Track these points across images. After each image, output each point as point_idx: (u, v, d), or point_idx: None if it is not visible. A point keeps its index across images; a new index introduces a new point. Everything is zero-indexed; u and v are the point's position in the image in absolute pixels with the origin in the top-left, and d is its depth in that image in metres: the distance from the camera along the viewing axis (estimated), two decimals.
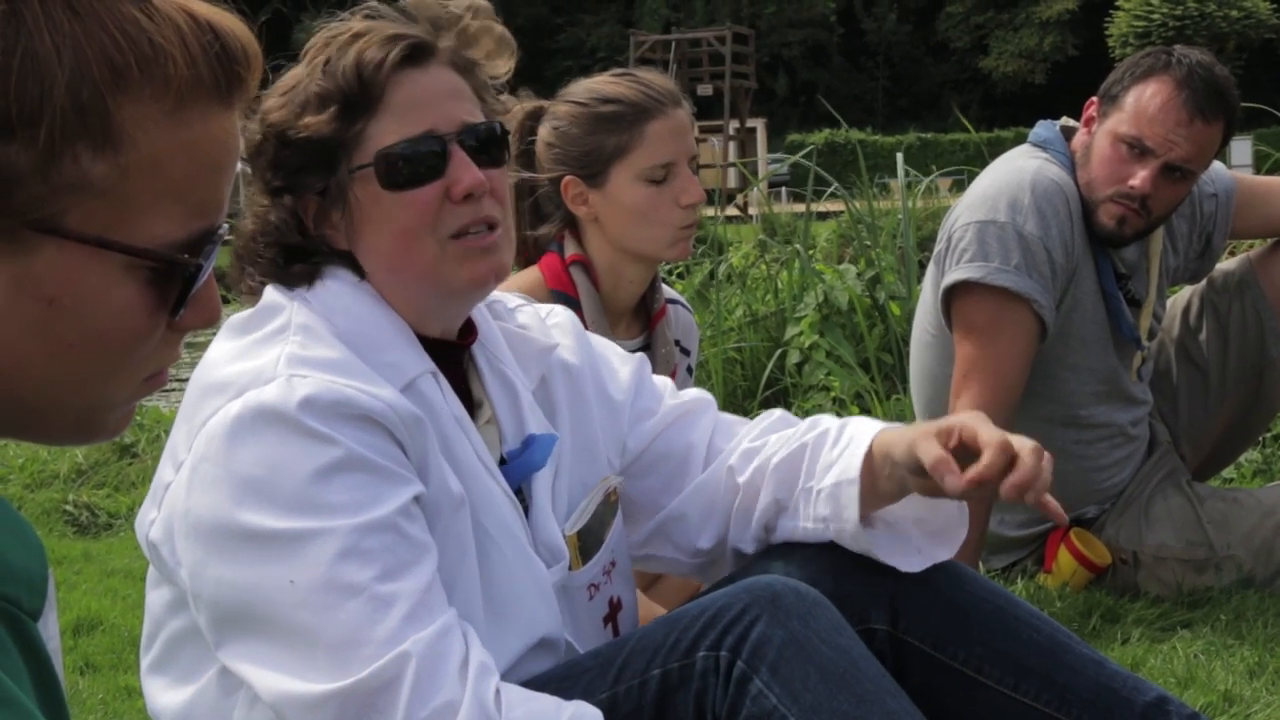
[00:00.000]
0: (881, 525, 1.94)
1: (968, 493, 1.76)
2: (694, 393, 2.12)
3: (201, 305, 1.07)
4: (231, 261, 1.82)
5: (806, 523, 1.94)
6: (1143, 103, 3.28)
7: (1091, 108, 3.42)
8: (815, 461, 1.96)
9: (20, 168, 0.96)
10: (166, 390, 8.79)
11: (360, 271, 1.78)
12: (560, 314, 2.06)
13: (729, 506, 2.02)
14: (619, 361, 2.08)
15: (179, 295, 1.04)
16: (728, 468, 2.03)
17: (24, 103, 0.95)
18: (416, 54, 1.75)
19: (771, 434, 2.04)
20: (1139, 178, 3.28)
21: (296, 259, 1.78)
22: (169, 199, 1.02)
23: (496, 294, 1.96)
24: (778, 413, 2.08)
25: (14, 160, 0.96)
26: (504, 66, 1.87)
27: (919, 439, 1.81)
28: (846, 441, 1.95)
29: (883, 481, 1.90)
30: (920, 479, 1.85)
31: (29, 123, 0.95)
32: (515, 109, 2.64)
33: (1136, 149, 3.28)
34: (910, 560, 1.91)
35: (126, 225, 1.00)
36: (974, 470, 1.75)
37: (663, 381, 2.12)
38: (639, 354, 2.13)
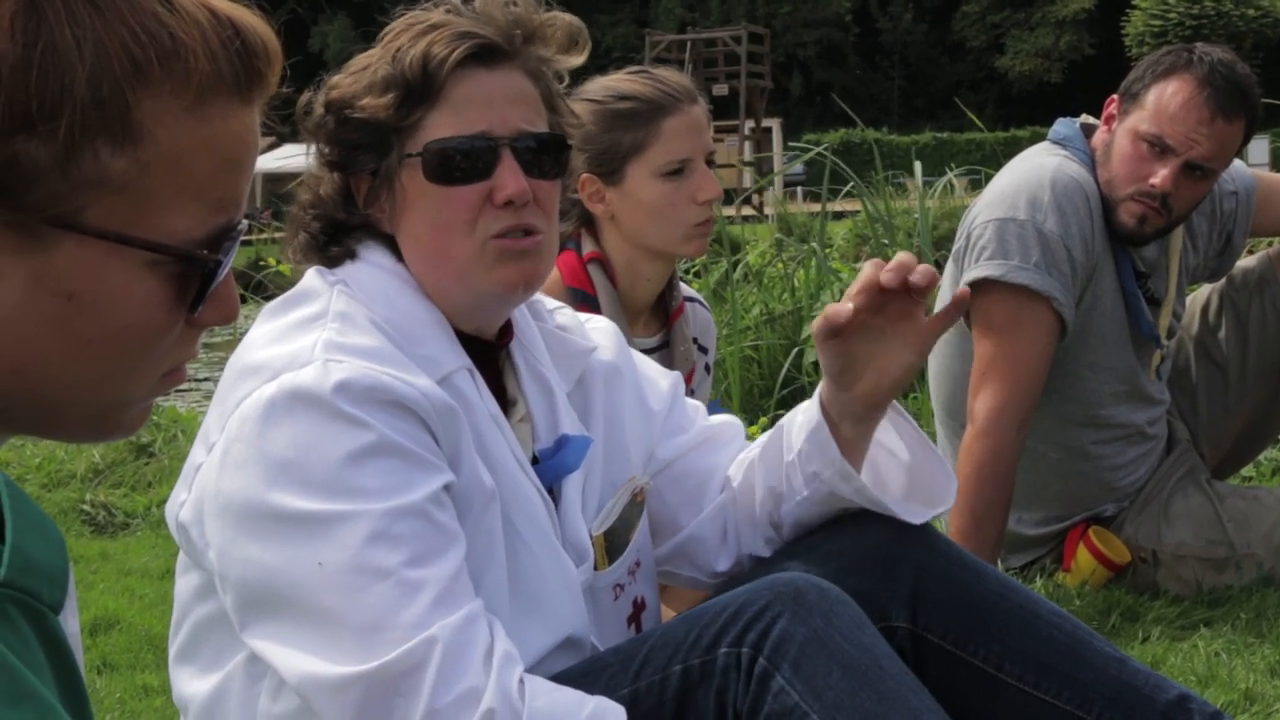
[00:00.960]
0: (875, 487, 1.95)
1: (857, 306, 1.80)
2: (725, 419, 2.13)
3: (220, 302, 1.07)
4: (288, 225, 1.85)
5: (801, 492, 1.95)
6: (1164, 101, 3.27)
7: (1112, 105, 3.40)
8: (790, 435, 1.98)
9: (40, 163, 0.96)
10: (183, 391, 8.82)
11: (398, 255, 1.79)
12: (601, 322, 2.07)
13: (735, 521, 2.04)
14: (658, 375, 2.10)
15: (197, 292, 1.04)
16: (726, 480, 2.05)
17: (44, 97, 0.95)
18: (485, 54, 1.76)
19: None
20: (1160, 176, 3.27)
21: (339, 235, 1.80)
22: (188, 195, 1.02)
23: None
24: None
25: (34, 155, 0.95)
26: (577, 59, 1.87)
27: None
28: (808, 406, 1.98)
29: (841, 423, 1.93)
30: (853, 391, 1.89)
31: (49, 117, 0.95)
32: None
33: (1157, 147, 3.27)
34: (910, 513, 1.92)
35: (146, 221, 1.00)
36: (853, 287, 1.81)
37: (695, 405, 2.13)
38: (675, 373, 2.14)
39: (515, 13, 1.79)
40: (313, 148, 1.82)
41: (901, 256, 1.79)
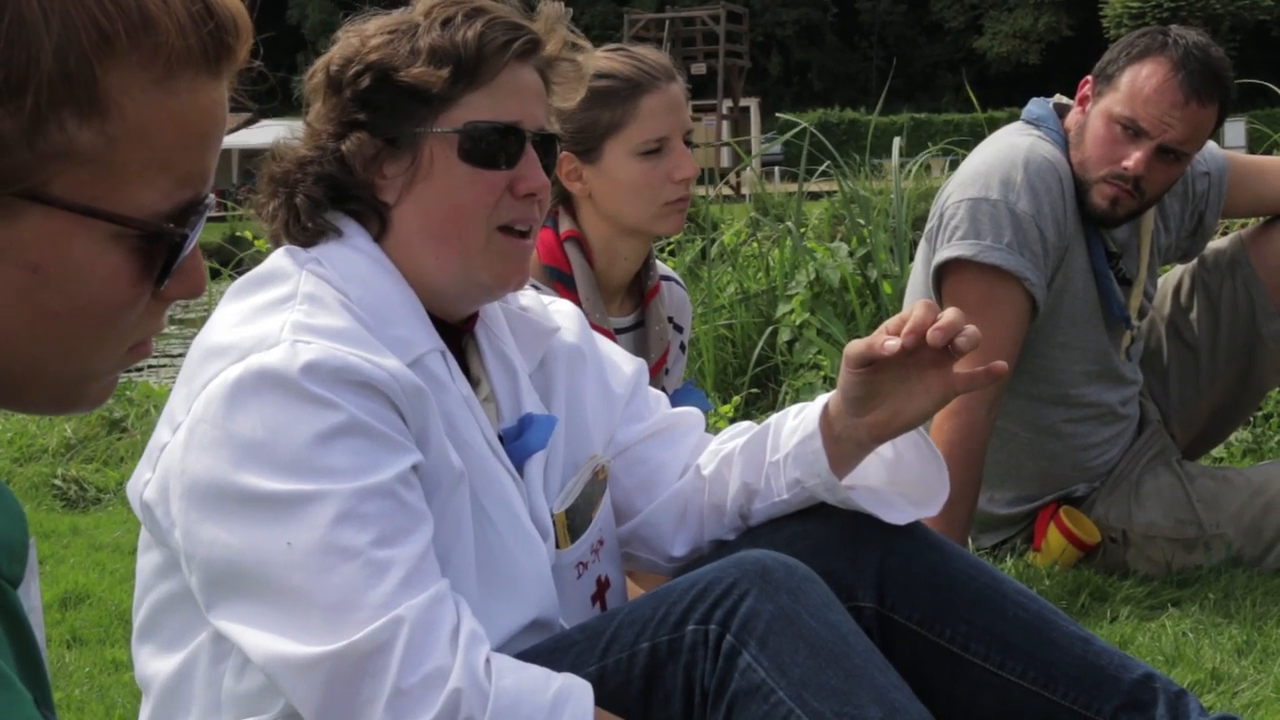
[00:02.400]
0: (862, 487, 1.96)
1: (904, 345, 1.80)
2: (687, 410, 2.14)
3: (186, 275, 1.06)
4: (262, 184, 1.83)
5: (781, 495, 1.96)
6: (1138, 83, 3.27)
7: (1086, 86, 3.41)
8: (778, 437, 1.99)
9: (6, 134, 0.95)
10: (157, 366, 8.78)
11: (381, 230, 1.78)
12: (563, 305, 2.08)
13: (700, 508, 2.03)
14: (622, 359, 2.10)
15: (164, 265, 1.04)
16: (695, 468, 2.06)
17: (10, 68, 0.94)
18: (530, 49, 1.80)
19: (739, 435, 2.06)
20: (1133, 159, 3.27)
21: (340, 198, 1.79)
22: (155, 168, 1.01)
23: None
24: (747, 424, 2.10)
25: (0, 127, 0.95)
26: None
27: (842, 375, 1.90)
28: (802, 409, 1.98)
29: (841, 440, 1.92)
30: (863, 418, 1.89)
31: (15, 89, 0.94)
32: None
33: (1131, 130, 3.28)
34: (894, 513, 1.93)
35: (113, 194, 1.00)
36: (906, 325, 1.81)
37: (657, 394, 2.14)
38: (640, 360, 2.15)
39: (550, 13, 1.84)
40: (317, 106, 1.80)
41: (951, 315, 1.81)
